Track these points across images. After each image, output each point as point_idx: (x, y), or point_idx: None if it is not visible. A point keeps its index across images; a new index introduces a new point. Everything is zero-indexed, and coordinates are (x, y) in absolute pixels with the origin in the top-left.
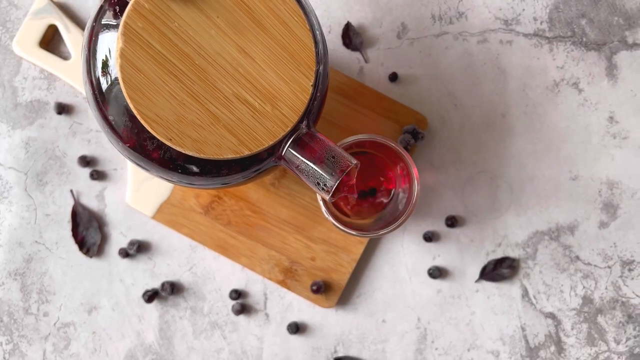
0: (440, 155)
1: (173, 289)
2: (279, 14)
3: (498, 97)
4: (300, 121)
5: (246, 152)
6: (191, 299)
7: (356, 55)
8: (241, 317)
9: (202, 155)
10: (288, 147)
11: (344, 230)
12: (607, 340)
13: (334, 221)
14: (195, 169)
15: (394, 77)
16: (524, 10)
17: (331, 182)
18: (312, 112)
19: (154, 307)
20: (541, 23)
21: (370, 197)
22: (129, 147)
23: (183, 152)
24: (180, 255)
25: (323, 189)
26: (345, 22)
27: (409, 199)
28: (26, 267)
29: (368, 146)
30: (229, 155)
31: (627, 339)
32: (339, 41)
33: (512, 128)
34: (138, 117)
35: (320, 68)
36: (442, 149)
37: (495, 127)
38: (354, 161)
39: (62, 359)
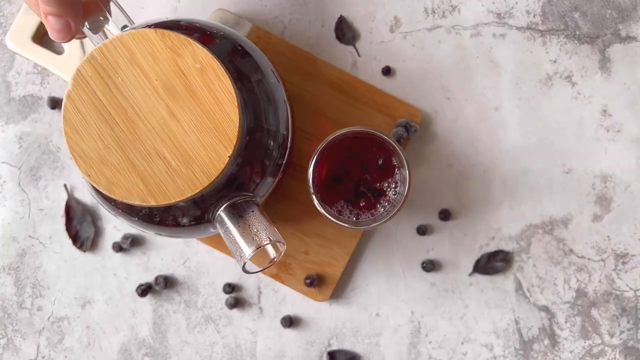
0: (433, 148)
1: (167, 283)
2: (212, 88)
3: (491, 90)
4: (226, 187)
5: (152, 203)
6: (185, 293)
7: (349, 49)
8: (235, 311)
9: (112, 195)
10: (221, 211)
11: (336, 223)
12: (601, 333)
13: (326, 214)
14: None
15: (387, 71)
16: (517, 3)
17: (247, 252)
18: (250, 182)
19: (147, 301)
20: (534, 16)
21: (366, 189)
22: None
23: (97, 188)
24: (174, 249)
25: (240, 257)
26: (338, 15)
27: (401, 192)
28: (20, 262)
29: (361, 139)
30: (136, 202)
31: (621, 332)
32: (332, 35)
33: (506, 121)
34: (68, 150)
35: (243, 144)
36: (435, 143)
37: (489, 120)
38: (282, 241)
39: (56, 353)
